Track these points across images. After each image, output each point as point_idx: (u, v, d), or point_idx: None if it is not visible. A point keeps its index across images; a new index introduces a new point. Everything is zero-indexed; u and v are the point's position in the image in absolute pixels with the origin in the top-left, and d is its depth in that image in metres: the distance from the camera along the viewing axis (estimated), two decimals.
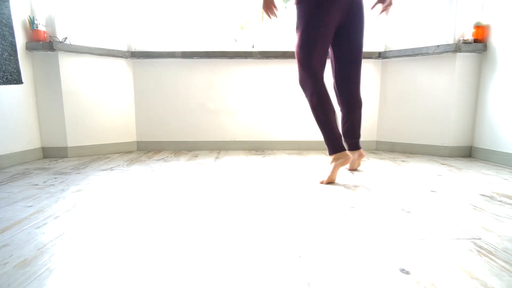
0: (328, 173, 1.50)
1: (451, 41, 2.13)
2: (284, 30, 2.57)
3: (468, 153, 2.25)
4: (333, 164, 1.52)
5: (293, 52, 2.30)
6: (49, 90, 2.17)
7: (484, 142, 2.12)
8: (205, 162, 2.04)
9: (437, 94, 2.25)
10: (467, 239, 0.90)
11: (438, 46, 2.14)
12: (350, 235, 0.93)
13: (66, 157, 2.23)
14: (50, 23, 2.12)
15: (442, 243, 0.87)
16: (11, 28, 1.67)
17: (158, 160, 2.14)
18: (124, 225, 1.01)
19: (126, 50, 2.45)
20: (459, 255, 0.81)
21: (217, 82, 2.51)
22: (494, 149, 2.03)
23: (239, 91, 2.52)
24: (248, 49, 2.52)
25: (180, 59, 2.47)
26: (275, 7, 1.55)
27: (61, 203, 1.23)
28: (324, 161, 2.08)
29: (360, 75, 1.63)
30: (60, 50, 2.10)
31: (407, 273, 0.72)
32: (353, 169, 1.80)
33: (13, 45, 1.70)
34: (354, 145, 1.75)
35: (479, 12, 2.12)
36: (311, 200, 1.26)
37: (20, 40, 2.01)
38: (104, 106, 2.37)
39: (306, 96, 1.56)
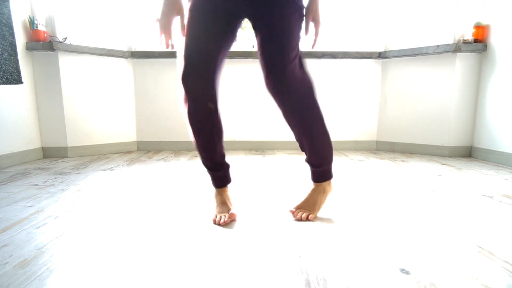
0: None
1: (451, 41, 2.13)
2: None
3: (468, 153, 2.25)
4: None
5: None
6: (49, 90, 2.17)
7: (484, 142, 2.12)
8: None
9: (437, 94, 2.25)
10: (467, 239, 0.90)
11: (438, 46, 2.14)
12: (349, 235, 0.93)
13: (66, 157, 2.23)
14: (50, 23, 2.12)
15: (442, 243, 0.87)
16: (11, 28, 1.67)
17: (158, 160, 2.14)
18: (124, 225, 1.01)
19: (126, 50, 2.45)
20: (459, 255, 0.81)
21: None
22: (494, 149, 2.03)
23: (239, 91, 2.52)
24: (248, 49, 2.51)
25: None
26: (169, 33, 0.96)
27: (61, 203, 1.23)
28: None
29: None
30: (60, 50, 2.10)
31: (407, 273, 0.72)
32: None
33: (13, 45, 1.70)
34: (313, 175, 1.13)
35: (479, 12, 2.12)
36: None
37: (20, 40, 2.01)
38: (104, 106, 2.37)
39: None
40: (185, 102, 0.99)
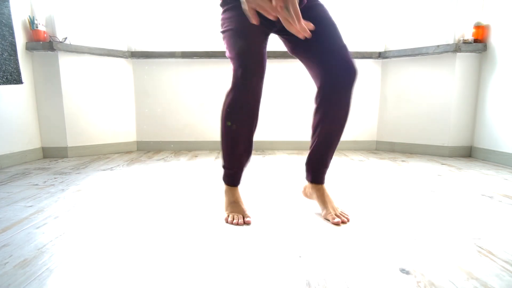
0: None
1: (451, 41, 2.13)
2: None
3: (468, 153, 2.25)
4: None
5: None
6: (49, 90, 2.17)
7: (484, 142, 2.12)
8: (205, 162, 2.04)
9: (437, 94, 2.25)
10: (467, 239, 0.90)
11: (438, 46, 2.14)
12: (349, 234, 0.93)
13: (66, 157, 2.23)
14: (50, 23, 2.12)
15: (442, 243, 0.87)
16: (11, 28, 1.67)
17: (158, 160, 2.14)
18: (124, 226, 1.01)
19: (126, 50, 2.45)
20: (459, 255, 0.81)
21: (217, 82, 2.51)
22: (494, 149, 2.03)
23: None
24: None
25: (180, 59, 2.47)
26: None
27: (61, 203, 1.23)
28: None
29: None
30: (60, 50, 2.10)
31: (407, 273, 0.72)
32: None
33: (13, 45, 1.70)
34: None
35: (479, 12, 2.12)
36: (311, 201, 1.26)
37: (20, 40, 2.01)
38: (104, 106, 2.37)
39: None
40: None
